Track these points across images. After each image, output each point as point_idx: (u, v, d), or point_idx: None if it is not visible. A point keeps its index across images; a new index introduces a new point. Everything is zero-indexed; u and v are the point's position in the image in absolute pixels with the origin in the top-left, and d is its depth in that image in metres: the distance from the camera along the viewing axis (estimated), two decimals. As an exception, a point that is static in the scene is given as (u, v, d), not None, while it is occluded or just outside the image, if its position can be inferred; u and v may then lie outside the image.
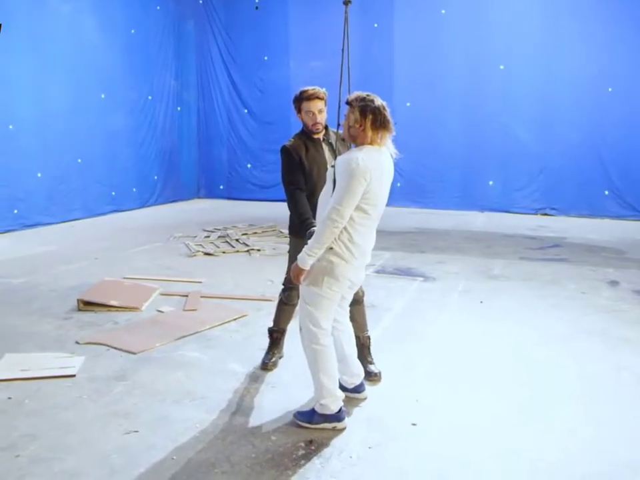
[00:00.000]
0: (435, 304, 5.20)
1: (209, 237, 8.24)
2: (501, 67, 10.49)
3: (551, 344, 4.26)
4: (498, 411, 3.25)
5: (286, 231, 8.44)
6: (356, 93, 3.11)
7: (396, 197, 11.20)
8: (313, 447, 2.88)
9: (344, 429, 3.04)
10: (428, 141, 11.00)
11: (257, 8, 12.08)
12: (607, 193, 10.13)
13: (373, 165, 2.90)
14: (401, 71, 11.09)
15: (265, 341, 4.01)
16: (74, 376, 3.68)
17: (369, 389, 3.46)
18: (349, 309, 3.36)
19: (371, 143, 3.01)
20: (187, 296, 5.37)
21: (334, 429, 3.03)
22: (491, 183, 10.80)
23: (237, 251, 7.36)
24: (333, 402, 3.05)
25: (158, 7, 11.53)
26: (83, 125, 9.88)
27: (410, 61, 11.00)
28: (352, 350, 3.37)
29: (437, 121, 10.95)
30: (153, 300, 5.27)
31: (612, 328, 4.58)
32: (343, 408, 3.09)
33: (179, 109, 12.37)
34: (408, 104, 11.10)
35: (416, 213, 10.57)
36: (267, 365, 3.84)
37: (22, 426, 3.07)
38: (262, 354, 3.94)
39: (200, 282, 5.90)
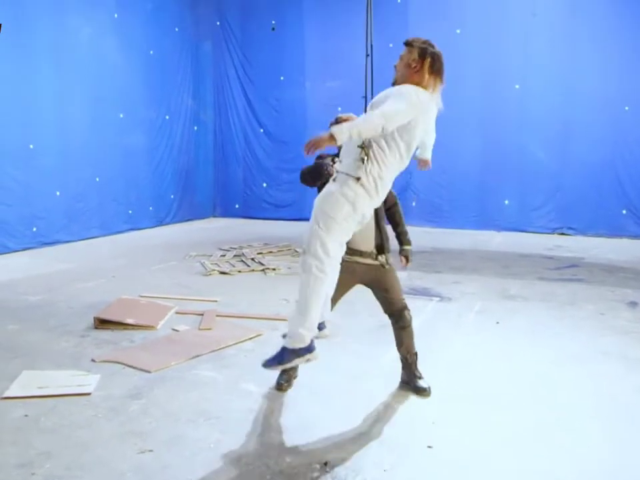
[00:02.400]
0: (451, 324, 5.16)
1: (224, 255, 8.27)
2: (517, 87, 10.49)
3: (569, 365, 4.21)
4: (514, 433, 3.20)
5: (301, 250, 8.46)
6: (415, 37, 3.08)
7: (411, 216, 11.18)
8: (327, 469, 2.85)
9: (317, 359, 3.00)
10: (444, 160, 10.95)
11: (273, 29, 12.24)
12: (624, 212, 10.05)
13: (424, 106, 2.94)
14: (416, 90, 11.12)
15: None
16: (90, 394, 3.69)
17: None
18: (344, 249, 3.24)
19: (424, 87, 3.01)
20: (202, 315, 5.38)
21: (307, 361, 2.96)
22: (506, 202, 10.75)
23: (253, 270, 7.38)
24: (309, 333, 3.00)
25: (176, 29, 11.72)
26: (102, 144, 10.01)
27: (425, 80, 11.02)
28: (330, 291, 3.32)
29: (453, 140, 10.92)
30: (169, 318, 5.29)
31: (630, 349, 4.52)
32: (312, 339, 3.04)
33: (195, 128, 12.50)
34: (423, 123, 11.10)
35: (432, 232, 10.54)
36: (281, 385, 3.84)
37: (38, 444, 3.08)
38: (277, 374, 3.93)
39: (215, 301, 5.92)
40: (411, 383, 3.78)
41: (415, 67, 3.04)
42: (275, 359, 3.06)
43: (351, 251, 3.63)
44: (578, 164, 10.23)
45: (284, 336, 3.13)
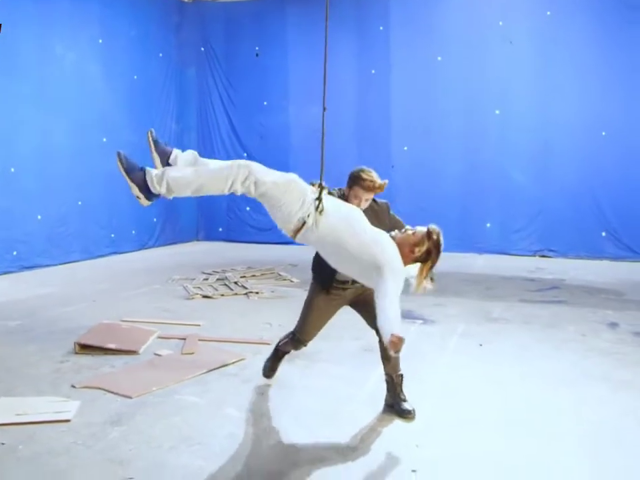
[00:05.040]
0: (434, 347, 5.17)
1: (207, 279, 8.23)
2: (497, 112, 10.66)
3: (552, 387, 4.22)
4: (498, 458, 3.20)
5: (284, 274, 8.46)
6: (439, 231, 3.23)
7: (394, 239, 11.28)
8: (311, 494, 2.82)
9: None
10: (425, 184, 11.10)
11: (257, 55, 12.36)
12: (604, 234, 10.18)
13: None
14: (398, 115, 11.27)
15: (263, 385, 4.15)
16: (69, 421, 3.62)
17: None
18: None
19: (404, 261, 3.14)
20: (184, 339, 5.34)
21: (138, 199, 3.02)
22: (488, 225, 10.86)
23: (236, 294, 7.34)
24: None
25: (160, 54, 11.78)
26: (84, 168, 9.96)
27: (407, 106, 11.18)
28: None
29: (434, 164, 11.07)
30: (151, 343, 5.23)
31: (613, 371, 4.54)
32: None
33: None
34: (405, 148, 11.24)
35: (414, 255, 10.56)
36: (267, 372, 4.25)
37: (15, 473, 3.02)
38: (260, 398, 3.92)
39: (198, 325, 5.87)
40: (395, 405, 3.76)
41: (415, 255, 3.18)
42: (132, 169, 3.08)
43: (342, 282, 3.70)
44: (558, 187, 10.37)
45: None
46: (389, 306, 2.93)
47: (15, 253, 8.75)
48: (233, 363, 4.72)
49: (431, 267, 3.20)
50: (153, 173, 3.03)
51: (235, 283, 7.91)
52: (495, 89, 10.61)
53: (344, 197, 3.70)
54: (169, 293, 7.39)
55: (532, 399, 4.02)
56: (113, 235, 10.68)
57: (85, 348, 4.98)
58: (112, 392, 4.08)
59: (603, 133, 10.03)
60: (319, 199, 3.05)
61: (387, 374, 3.82)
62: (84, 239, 10.01)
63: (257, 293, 7.34)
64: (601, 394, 4.10)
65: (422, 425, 3.60)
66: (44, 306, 6.64)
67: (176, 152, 3.23)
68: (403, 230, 3.27)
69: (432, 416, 3.73)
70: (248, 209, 12.54)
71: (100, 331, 5.38)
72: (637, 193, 9.88)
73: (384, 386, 3.84)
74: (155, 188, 3.02)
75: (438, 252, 3.17)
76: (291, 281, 8.07)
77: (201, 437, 3.43)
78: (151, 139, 3.21)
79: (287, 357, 4.34)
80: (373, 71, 11.48)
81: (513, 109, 10.55)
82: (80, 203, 9.95)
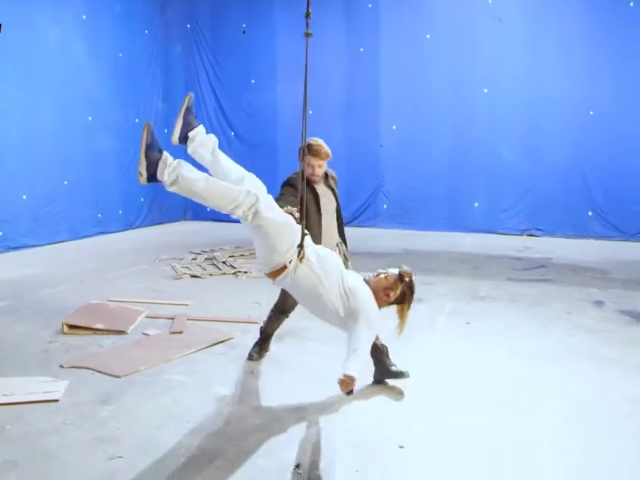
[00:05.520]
0: (422, 325, 5.19)
1: (195, 259, 8.21)
2: (485, 91, 10.63)
3: (538, 365, 4.27)
4: (485, 434, 3.24)
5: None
6: (410, 272, 3.26)
7: (382, 218, 11.28)
8: (300, 471, 2.85)
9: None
10: (414, 163, 11.09)
11: (244, 32, 12.21)
12: (590, 213, 10.25)
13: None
14: (387, 94, 11.21)
15: (252, 363, 4.20)
16: (58, 400, 3.62)
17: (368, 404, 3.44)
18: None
19: (378, 303, 3.18)
20: (173, 319, 5.33)
21: (139, 175, 3.00)
22: (476, 204, 10.88)
23: (224, 274, 7.34)
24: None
25: (146, 31, 11.60)
26: (70, 147, 9.85)
27: (395, 84, 11.13)
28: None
29: (423, 143, 11.05)
30: (139, 323, 5.22)
31: (598, 348, 4.60)
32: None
33: (165, 131, 12.35)
34: (394, 127, 11.20)
35: (403, 234, 10.61)
36: (252, 356, 4.28)
37: (3, 452, 3.01)
38: (249, 376, 3.94)
39: (186, 304, 5.87)
40: (386, 373, 3.89)
41: (390, 298, 3.20)
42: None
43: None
44: (546, 166, 10.40)
45: None
46: (357, 350, 2.94)
47: (0, 233, 8.67)
48: (222, 342, 4.73)
49: (408, 308, 3.22)
50: (169, 161, 3.00)
51: (223, 262, 7.90)
52: (483, 68, 10.57)
53: (303, 174, 3.80)
54: (156, 273, 7.37)
55: (519, 376, 4.06)
56: (99, 215, 10.60)
57: (73, 328, 4.96)
58: (100, 372, 4.08)
59: (591, 112, 10.05)
60: (301, 245, 3.06)
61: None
62: (70, 219, 9.92)
63: (246, 272, 7.34)
64: (587, 371, 4.15)
65: (410, 402, 3.63)
66: (31, 286, 6.60)
67: (199, 130, 3.20)
68: (376, 274, 3.30)
69: (420, 393, 3.76)
70: (236, 188, 12.47)
71: (88, 311, 5.37)
72: (623, 172, 9.92)
73: (370, 362, 3.88)
74: (163, 175, 2.99)
75: (412, 293, 3.21)
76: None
77: (190, 415, 3.45)
78: (186, 103, 3.17)
79: (275, 335, 4.37)
80: (362, 49, 11.39)
81: (502, 88, 10.52)
82: (66, 182, 9.85)
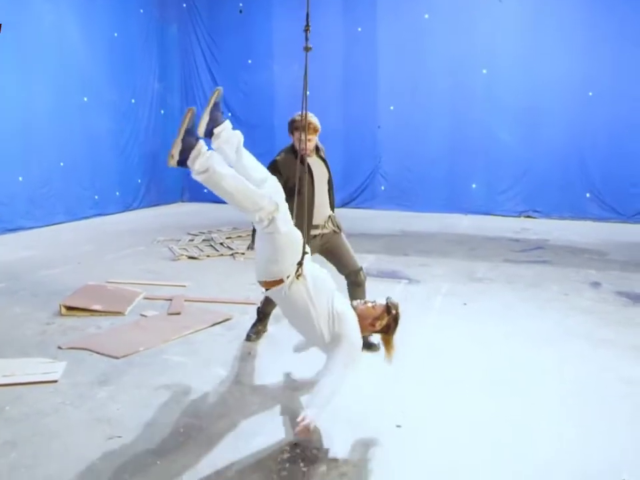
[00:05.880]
0: (419, 306, 5.21)
1: (192, 240, 8.20)
2: (484, 71, 10.56)
3: (535, 346, 4.29)
4: (482, 414, 3.26)
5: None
6: (397, 304, 3.24)
7: (380, 199, 11.26)
8: (297, 450, 2.87)
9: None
10: (412, 144, 11.05)
11: (240, 12, 12.07)
12: (588, 195, 10.24)
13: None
14: (385, 74, 11.14)
15: (250, 343, 4.24)
16: (56, 381, 3.64)
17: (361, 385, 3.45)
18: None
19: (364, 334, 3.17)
20: (170, 300, 5.34)
21: (170, 156, 2.97)
22: (474, 185, 10.86)
23: (221, 255, 7.33)
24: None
25: (141, 10, 11.46)
26: (65, 129, 9.78)
27: (393, 64, 11.05)
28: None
29: (421, 124, 11.00)
30: (137, 304, 5.23)
31: (595, 329, 4.62)
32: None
33: (162, 112, 12.31)
34: (391, 107, 11.15)
35: (400, 215, 10.60)
36: (250, 337, 4.32)
37: (2, 433, 3.03)
38: (247, 357, 3.96)
39: (184, 286, 5.87)
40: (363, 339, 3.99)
41: (376, 328, 3.20)
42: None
43: (312, 227, 3.92)
44: (544, 148, 10.37)
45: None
46: (329, 381, 2.92)
47: (-4, 215, 8.64)
48: (219, 322, 4.74)
49: (392, 338, 3.23)
50: (203, 150, 2.98)
51: (221, 243, 7.90)
52: (482, 48, 10.49)
53: (292, 148, 3.93)
54: (154, 255, 7.36)
55: (516, 357, 4.08)
56: (96, 197, 10.56)
57: (71, 309, 4.97)
58: (98, 353, 4.09)
59: (590, 94, 10.00)
60: (300, 263, 3.05)
61: None
62: (67, 200, 9.88)
63: (243, 253, 7.34)
64: (584, 352, 4.17)
65: (407, 382, 3.65)
66: (28, 268, 6.59)
67: (225, 126, 3.17)
68: (364, 301, 3.30)
69: (417, 373, 3.79)
70: (233, 169, 12.42)
71: (85, 293, 5.37)
72: (621, 153, 9.90)
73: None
74: (194, 163, 2.96)
75: (397, 325, 3.22)
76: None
77: (188, 395, 3.47)
78: (214, 98, 3.13)
79: (273, 315, 4.39)
80: (360, 29, 11.28)
81: (501, 69, 10.45)
82: (62, 164, 9.80)
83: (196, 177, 2.99)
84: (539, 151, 10.40)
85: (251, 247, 4.09)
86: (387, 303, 3.22)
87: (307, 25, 3.06)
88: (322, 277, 3.17)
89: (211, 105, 3.11)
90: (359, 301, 3.33)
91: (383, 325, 3.18)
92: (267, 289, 3.18)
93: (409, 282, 6.05)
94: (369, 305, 3.23)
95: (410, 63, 10.91)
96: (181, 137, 2.96)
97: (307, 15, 3.06)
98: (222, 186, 2.98)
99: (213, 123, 3.12)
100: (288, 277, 3.03)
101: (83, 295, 5.28)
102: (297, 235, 3.13)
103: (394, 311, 3.20)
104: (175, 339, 4.38)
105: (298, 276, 3.03)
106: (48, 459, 2.80)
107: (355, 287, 4.15)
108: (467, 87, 10.65)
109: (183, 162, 2.99)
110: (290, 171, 3.71)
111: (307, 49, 3.10)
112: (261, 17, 11.87)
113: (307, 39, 3.07)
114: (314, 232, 4.02)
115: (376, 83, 11.20)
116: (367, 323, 3.16)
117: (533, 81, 10.25)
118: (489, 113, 10.59)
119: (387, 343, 3.23)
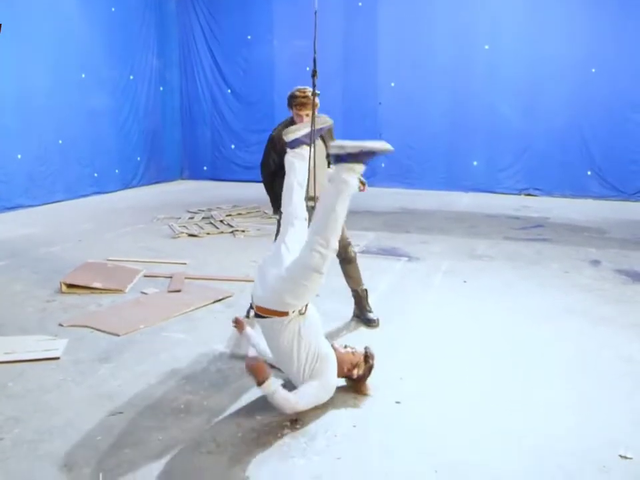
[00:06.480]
0: (419, 283, 5.22)
1: (192, 218, 8.19)
2: (486, 47, 10.46)
3: (534, 323, 4.30)
4: (482, 390, 3.28)
5: (270, 212, 8.42)
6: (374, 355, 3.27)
7: (380, 177, 11.22)
8: (298, 426, 2.89)
9: None
10: (412, 121, 10.98)
11: (239, -14, 11.91)
12: (589, 173, 10.20)
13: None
14: (385, 50, 11.03)
15: (249, 321, 4.10)
16: (58, 358, 3.66)
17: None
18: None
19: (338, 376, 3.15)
20: (171, 277, 5.35)
21: None
22: (475, 163, 10.82)
23: (221, 232, 7.33)
24: None
25: (139, -15, 11.33)
26: (64, 106, 9.72)
27: (394, 40, 10.93)
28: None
29: (422, 101, 10.92)
30: (137, 282, 5.24)
31: (594, 307, 4.64)
32: None
33: (161, 88, 12.21)
34: (392, 84, 11.06)
35: (400, 193, 10.58)
36: (250, 314, 4.21)
37: (5, 409, 3.06)
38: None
39: (184, 263, 5.88)
40: (361, 315, 4.26)
41: (351, 373, 3.20)
42: None
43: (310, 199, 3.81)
44: (545, 125, 10.31)
45: None
46: (297, 393, 2.95)
47: (-4, 193, 8.62)
48: (220, 300, 4.75)
49: (364, 383, 3.25)
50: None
51: (221, 221, 7.89)
52: (484, 24, 10.38)
53: (291, 122, 3.87)
54: (154, 232, 7.36)
55: (515, 334, 4.10)
56: (96, 175, 10.53)
57: (71, 287, 4.98)
58: (99, 330, 4.11)
59: (593, 70, 9.91)
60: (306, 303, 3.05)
61: (352, 289, 4.29)
62: (66, 178, 9.86)
63: (243, 231, 7.34)
64: (583, 329, 4.18)
65: (406, 358, 3.67)
66: (28, 246, 6.59)
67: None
68: (345, 346, 3.31)
69: (416, 350, 3.80)
70: (233, 146, 12.39)
71: (86, 270, 5.37)
72: (622, 131, 9.86)
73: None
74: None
75: (369, 374, 3.24)
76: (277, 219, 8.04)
77: (189, 372, 3.49)
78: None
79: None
80: (360, 4, 11.14)
81: (503, 45, 10.36)
82: (60, 141, 9.75)
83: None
84: (540, 129, 10.35)
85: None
86: (366, 352, 3.25)
87: (315, 71, 3.22)
88: (315, 317, 3.17)
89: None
90: (339, 345, 3.32)
91: (359, 373, 3.21)
92: (262, 316, 3.06)
93: (409, 259, 6.06)
94: (349, 350, 3.26)
95: (411, 38, 10.79)
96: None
97: (314, 60, 3.14)
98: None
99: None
100: (293, 312, 3.00)
101: (83, 273, 5.29)
102: (322, 281, 3.00)
103: (371, 362, 3.24)
104: (175, 316, 4.40)
105: (302, 313, 3.02)
106: (50, 434, 2.82)
107: (346, 264, 4.21)
108: (468, 63, 10.56)
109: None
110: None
111: (314, 95, 3.34)
112: (261, -9, 11.72)
113: (314, 85, 3.27)
114: (311, 203, 4.00)
115: (376, 59, 11.10)
116: (344, 368, 3.18)
117: (535, 57, 10.16)
118: (491, 90, 10.51)
119: (360, 384, 3.25)
